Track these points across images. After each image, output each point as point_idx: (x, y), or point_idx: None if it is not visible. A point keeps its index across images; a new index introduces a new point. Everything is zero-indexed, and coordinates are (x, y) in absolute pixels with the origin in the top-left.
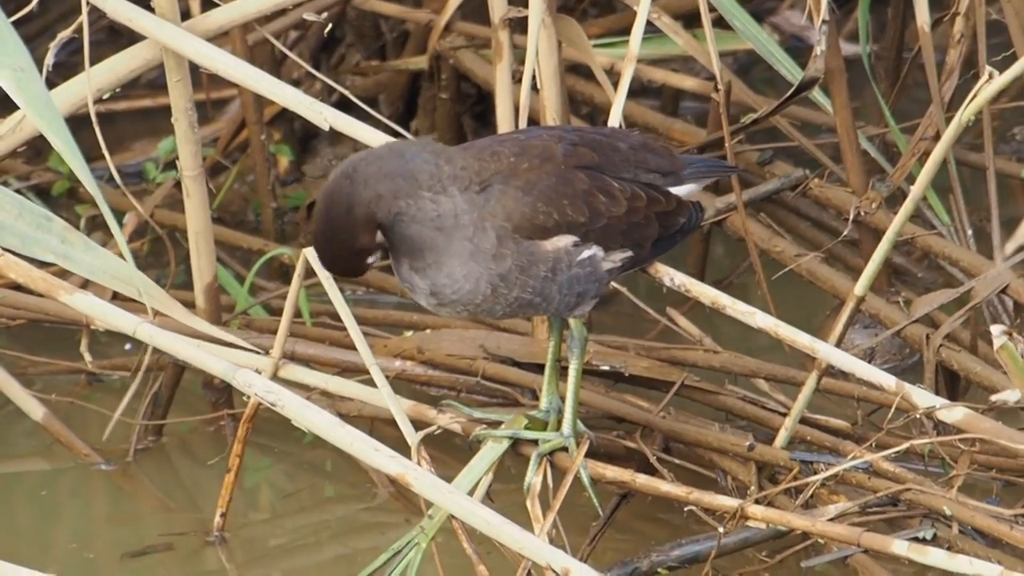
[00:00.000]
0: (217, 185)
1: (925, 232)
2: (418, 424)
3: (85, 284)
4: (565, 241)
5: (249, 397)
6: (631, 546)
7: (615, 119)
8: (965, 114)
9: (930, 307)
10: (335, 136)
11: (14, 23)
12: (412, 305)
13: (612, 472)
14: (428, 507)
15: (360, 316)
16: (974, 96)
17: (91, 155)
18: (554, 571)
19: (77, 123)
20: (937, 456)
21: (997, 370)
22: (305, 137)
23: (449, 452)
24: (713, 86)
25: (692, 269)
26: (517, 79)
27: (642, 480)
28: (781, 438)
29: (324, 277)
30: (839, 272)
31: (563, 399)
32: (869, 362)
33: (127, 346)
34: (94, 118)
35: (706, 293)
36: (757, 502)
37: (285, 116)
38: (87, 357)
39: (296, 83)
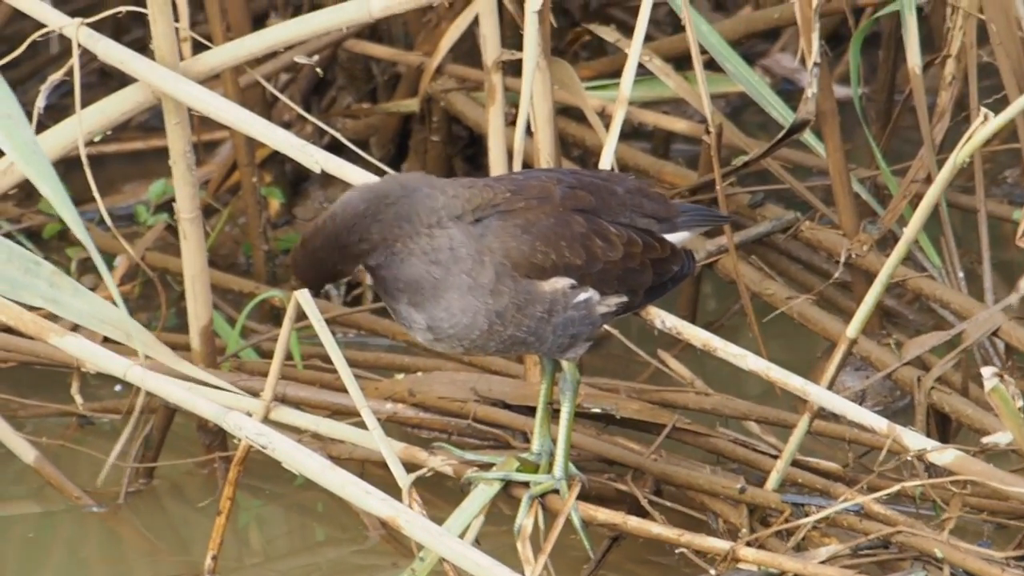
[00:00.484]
0: (208, 227)
1: (916, 275)
2: (409, 466)
3: (75, 327)
4: (563, 283)
5: (240, 440)
6: None
7: (606, 161)
8: (960, 156)
9: (921, 349)
10: (326, 179)
11: (4, 67)
12: (403, 348)
13: (603, 514)
14: (419, 549)
15: (351, 359)
16: (969, 138)
17: (82, 197)
18: None
19: (68, 165)
20: (928, 498)
21: (988, 412)
22: (296, 180)
23: (440, 494)
24: (704, 128)
25: (683, 311)
26: (509, 121)
27: (633, 522)
28: (772, 480)
29: (316, 319)
30: (830, 314)
31: (555, 441)
32: (860, 404)
33: (117, 387)
34: (85, 161)
35: (697, 335)
36: (748, 544)
37: (276, 159)
38: (78, 400)
39: (287, 126)
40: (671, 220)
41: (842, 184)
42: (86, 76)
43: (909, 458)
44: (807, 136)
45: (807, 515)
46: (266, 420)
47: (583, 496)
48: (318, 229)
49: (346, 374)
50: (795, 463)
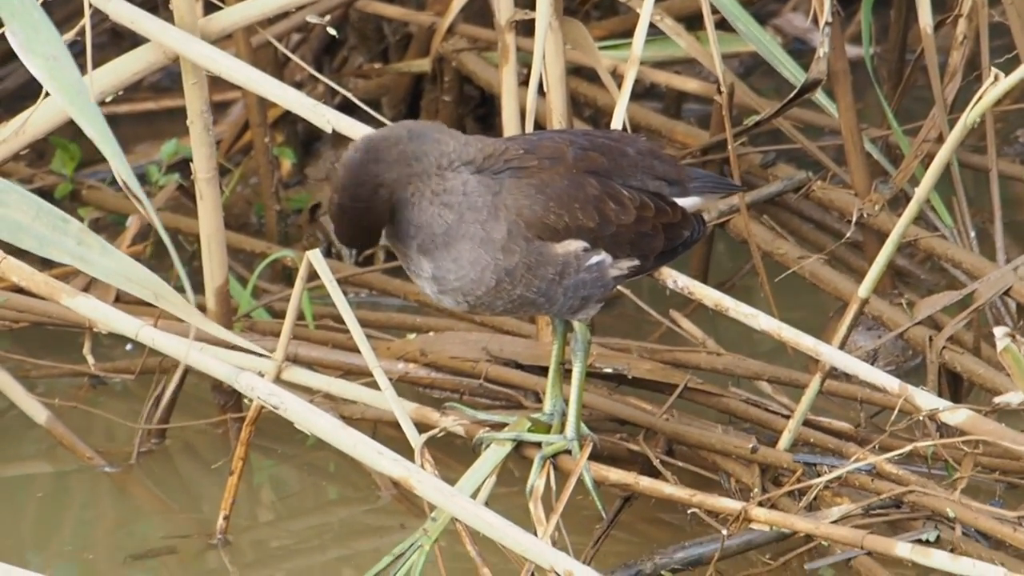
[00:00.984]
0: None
1: (928, 234)
2: (421, 427)
3: (87, 287)
4: (576, 245)
5: (252, 400)
6: (634, 548)
7: (618, 122)
8: (970, 116)
9: (933, 309)
10: (338, 139)
11: None
12: (415, 308)
13: (615, 475)
14: (431, 510)
15: (363, 319)
16: (980, 98)
17: (93, 158)
18: (557, 574)
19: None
20: (940, 458)
21: (1000, 372)
22: (308, 140)
23: (452, 454)
24: (716, 88)
25: (695, 271)
26: (521, 81)
27: (645, 483)
28: (784, 440)
29: (327, 280)
30: (842, 274)
31: (567, 402)
32: (872, 364)
33: (128, 346)
34: None
35: (709, 295)
36: (760, 504)
37: (288, 119)
38: (90, 360)
39: (299, 86)
40: (682, 183)
41: (854, 143)
42: (97, 36)
43: (921, 418)
44: (819, 96)
45: (819, 475)
46: (278, 380)
47: (595, 456)
48: (333, 192)
49: (358, 334)
50: (807, 423)
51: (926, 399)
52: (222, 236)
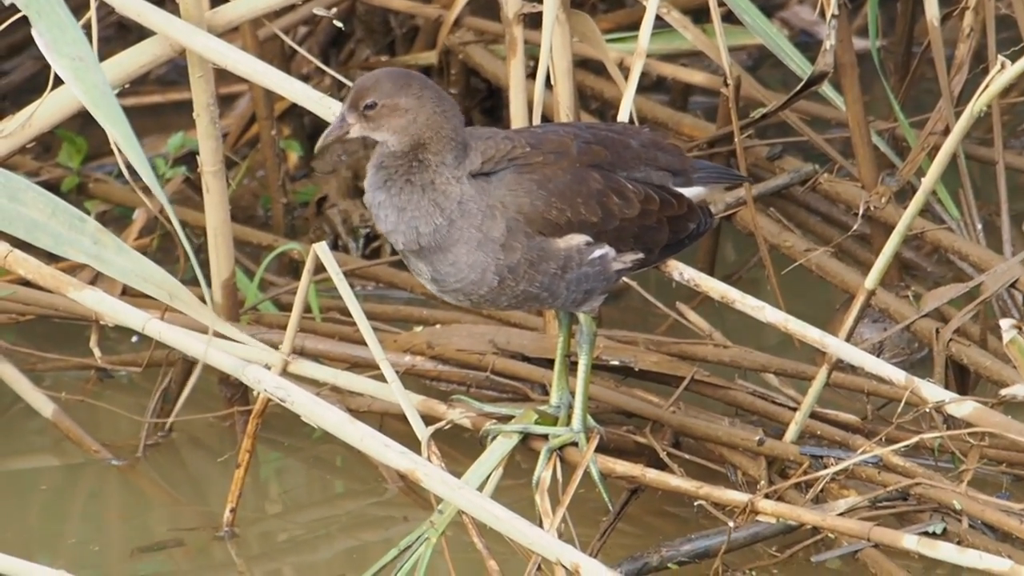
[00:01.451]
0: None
1: (935, 227)
2: (428, 419)
3: (94, 280)
4: (578, 240)
5: (259, 393)
6: (641, 541)
7: (625, 114)
8: (977, 105)
9: (940, 302)
10: None
11: (21, 20)
12: (422, 301)
13: (622, 467)
14: (438, 502)
15: (370, 311)
16: (986, 86)
17: (100, 151)
18: (564, 566)
19: (86, 119)
20: (947, 450)
21: (1007, 364)
22: (314, 133)
23: (459, 447)
24: (722, 81)
25: (701, 264)
26: (528, 74)
27: (652, 475)
28: (791, 433)
29: (334, 272)
30: (848, 267)
31: (573, 394)
32: (878, 356)
33: (134, 338)
34: None
35: (716, 288)
36: (767, 497)
37: (295, 112)
38: (96, 353)
39: (305, 79)
40: (686, 173)
41: (861, 136)
42: (104, 30)
43: (927, 410)
44: (825, 88)
45: (826, 467)
46: (285, 373)
47: (601, 448)
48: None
49: (365, 327)
50: (813, 415)
51: (933, 391)
52: (228, 229)
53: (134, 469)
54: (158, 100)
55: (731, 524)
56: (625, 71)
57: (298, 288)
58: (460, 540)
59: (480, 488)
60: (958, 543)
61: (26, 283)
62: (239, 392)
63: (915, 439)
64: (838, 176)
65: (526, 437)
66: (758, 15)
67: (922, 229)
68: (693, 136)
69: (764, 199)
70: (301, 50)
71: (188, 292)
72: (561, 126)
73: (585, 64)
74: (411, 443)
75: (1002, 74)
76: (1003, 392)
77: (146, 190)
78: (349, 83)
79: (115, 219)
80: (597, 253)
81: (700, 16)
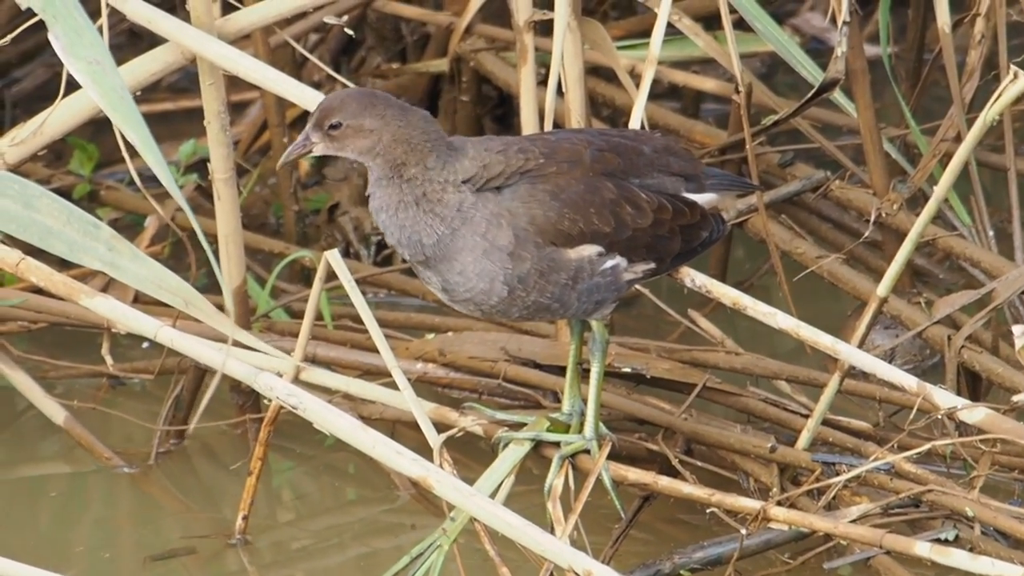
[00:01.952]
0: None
1: (946, 233)
2: (440, 427)
3: (105, 288)
4: (590, 251)
5: (271, 400)
6: (653, 548)
7: (636, 121)
8: (989, 114)
9: (951, 308)
10: None
11: (32, 28)
12: (433, 308)
13: (634, 474)
14: (450, 509)
15: (382, 319)
16: (999, 96)
17: (112, 159)
18: (576, 573)
19: (97, 127)
20: (959, 457)
21: (1018, 371)
22: None
23: (471, 454)
24: (734, 88)
25: (713, 271)
26: (539, 82)
27: (664, 482)
28: (803, 440)
29: (346, 280)
30: (860, 273)
31: (585, 401)
32: (889, 363)
33: (145, 344)
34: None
35: (727, 294)
36: (779, 504)
37: (306, 119)
38: (108, 360)
39: (317, 86)
40: (698, 178)
41: (873, 143)
42: (115, 37)
43: (940, 417)
44: (837, 95)
45: (838, 474)
46: (297, 381)
47: (613, 456)
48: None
49: (376, 334)
50: (826, 422)
51: (945, 398)
52: (240, 236)
53: (146, 477)
54: (169, 107)
55: (743, 531)
56: (636, 78)
57: (310, 295)
58: (471, 547)
59: (492, 495)
60: (970, 550)
61: (38, 291)
62: (251, 399)
63: (927, 446)
64: (850, 183)
65: (538, 444)
66: (769, 22)
67: (934, 236)
68: (705, 143)
69: (776, 206)
70: (312, 58)
71: (204, 299)
72: (574, 133)
73: (596, 71)
74: (423, 450)
75: (1014, 84)
76: (1015, 398)
77: (158, 197)
78: None
79: (126, 226)
80: (609, 264)
81: (711, 23)
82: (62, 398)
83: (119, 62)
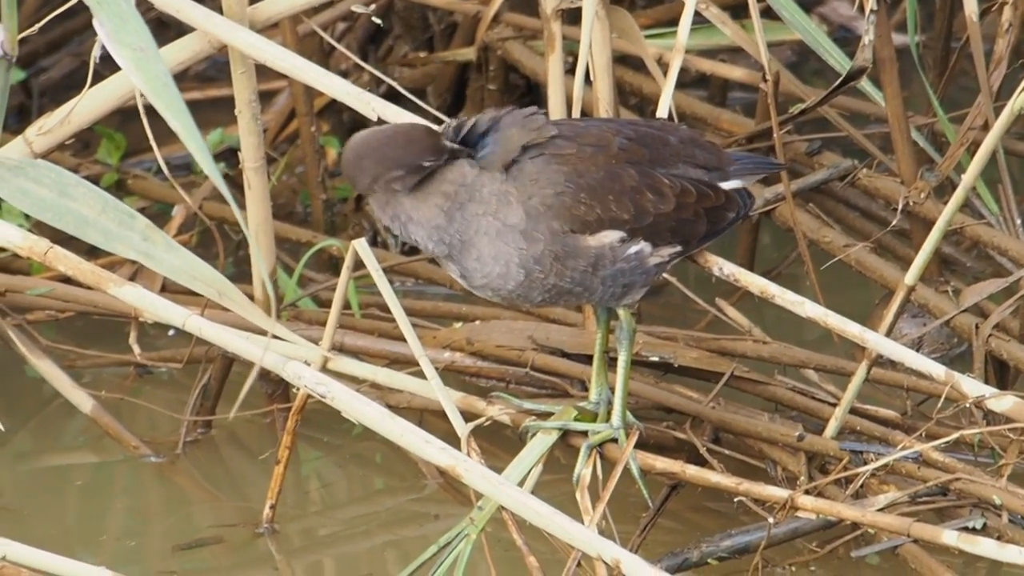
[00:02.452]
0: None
1: (974, 222)
2: (468, 416)
3: (133, 276)
4: (611, 237)
5: (299, 389)
6: (681, 537)
7: (664, 110)
8: (1017, 102)
9: (979, 296)
10: None
11: (61, 16)
12: (461, 296)
13: (662, 463)
14: (478, 498)
15: (409, 307)
16: None
17: (139, 147)
18: (604, 562)
19: (125, 116)
20: (987, 445)
21: None
22: (353, 129)
23: (498, 443)
24: (761, 76)
25: (741, 259)
26: (567, 70)
27: (692, 471)
28: (831, 428)
29: (373, 269)
30: (888, 262)
31: (612, 390)
32: (917, 352)
33: (170, 331)
34: (142, 110)
35: (755, 283)
36: (807, 492)
37: (333, 108)
38: (136, 349)
39: (344, 75)
40: (723, 169)
41: (900, 131)
42: None
43: (967, 405)
44: (864, 83)
45: (865, 463)
46: (324, 369)
47: (641, 445)
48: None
49: (404, 323)
50: (853, 411)
51: (972, 386)
52: (270, 225)
53: (173, 466)
54: (196, 96)
55: (771, 520)
56: (664, 67)
57: (337, 284)
58: (498, 537)
59: (520, 484)
60: (998, 538)
61: (66, 279)
62: (279, 389)
63: (955, 435)
64: (877, 171)
65: (565, 434)
66: (797, 10)
67: (962, 224)
68: (732, 132)
69: (803, 195)
70: (340, 46)
71: (237, 290)
72: (603, 122)
73: (624, 60)
74: (451, 439)
75: None
76: None
77: (185, 186)
78: (388, 79)
79: (153, 216)
80: (632, 249)
81: (739, 12)
82: (89, 387)
83: None
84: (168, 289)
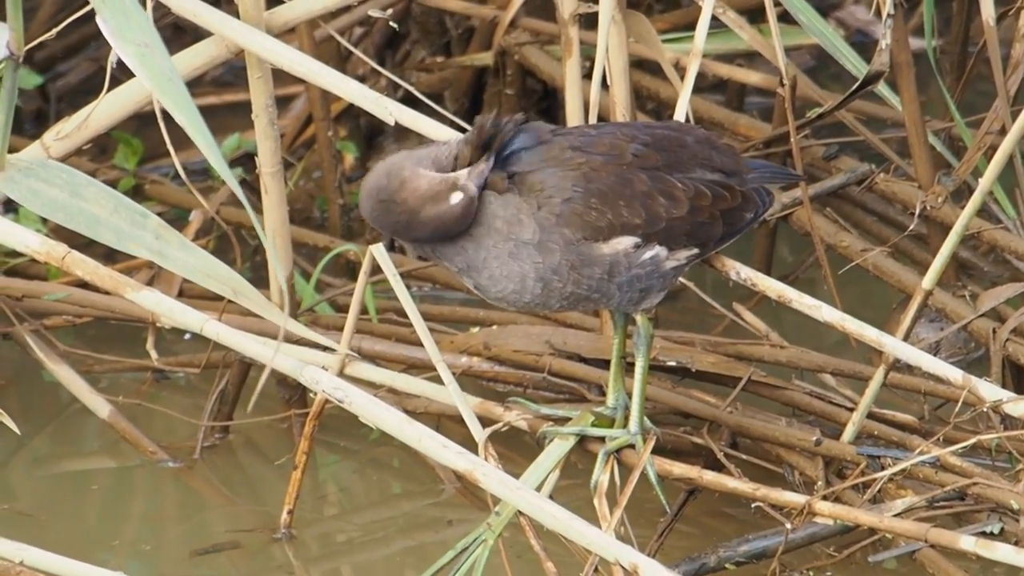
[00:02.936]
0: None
1: (991, 226)
2: (485, 421)
3: (151, 281)
4: (625, 243)
5: (316, 394)
6: (698, 542)
7: (681, 115)
8: None
9: (996, 301)
10: (400, 133)
11: (77, 22)
12: (478, 301)
13: (679, 468)
14: (495, 504)
15: (426, 312)
16: None
17: (156, 153)
18: (622, 567)
19: (142, 121)
20: (1004, 450)
21: None
22: (370, 134)
23: (516, 449)
24: (778, 81)
25: (758, 264)
26: (584, 75)
27: (709, 476)
28: (848, 433)
29: (391, 274)
30: (905, 266)
31: (630, 395)
32: (934, 356)
33: (187, 336)
34: (159, 115)
35: (772, 287)
36: (824, 498)
37: (350, 113)
38: (153, 354)
39: (361, 80)
40: (740, 173)
41: (918, 135)
42: (160, 31)
43: (985, 410)
44: (881, 88)
45: (883, 468)
46: (342, 374)
47: (658, 450)
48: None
49: (421, 328)
50: (871, 415)
51: (990, 390)
52: (287, 230)
53: (191, 471)
54: (213, 101)
55: (788, 525)
56: (681, 71)
57: (355, 289)
58: (513, 542)
59: (538, 489)
60: (1016, 543)
61: (83, 284)
62: (296, 394)
63: (973, 439)
64: (894, 176)
65: (583, 439)
66: (814, 15)
67: (979, 228)
68: (749, 136)
69: (820, 199)
70: (357, 51)
71: (253, 289)
72: (618, 126)
73: (641, 64)
74: (468, 444)
75: None
76: None
77: (202, 191)
78: (405, 84)
79: (171, 221)
80: (648, 255)
81: (756, 16)
82: (106, 392)
83: None
84: (185, 294)
